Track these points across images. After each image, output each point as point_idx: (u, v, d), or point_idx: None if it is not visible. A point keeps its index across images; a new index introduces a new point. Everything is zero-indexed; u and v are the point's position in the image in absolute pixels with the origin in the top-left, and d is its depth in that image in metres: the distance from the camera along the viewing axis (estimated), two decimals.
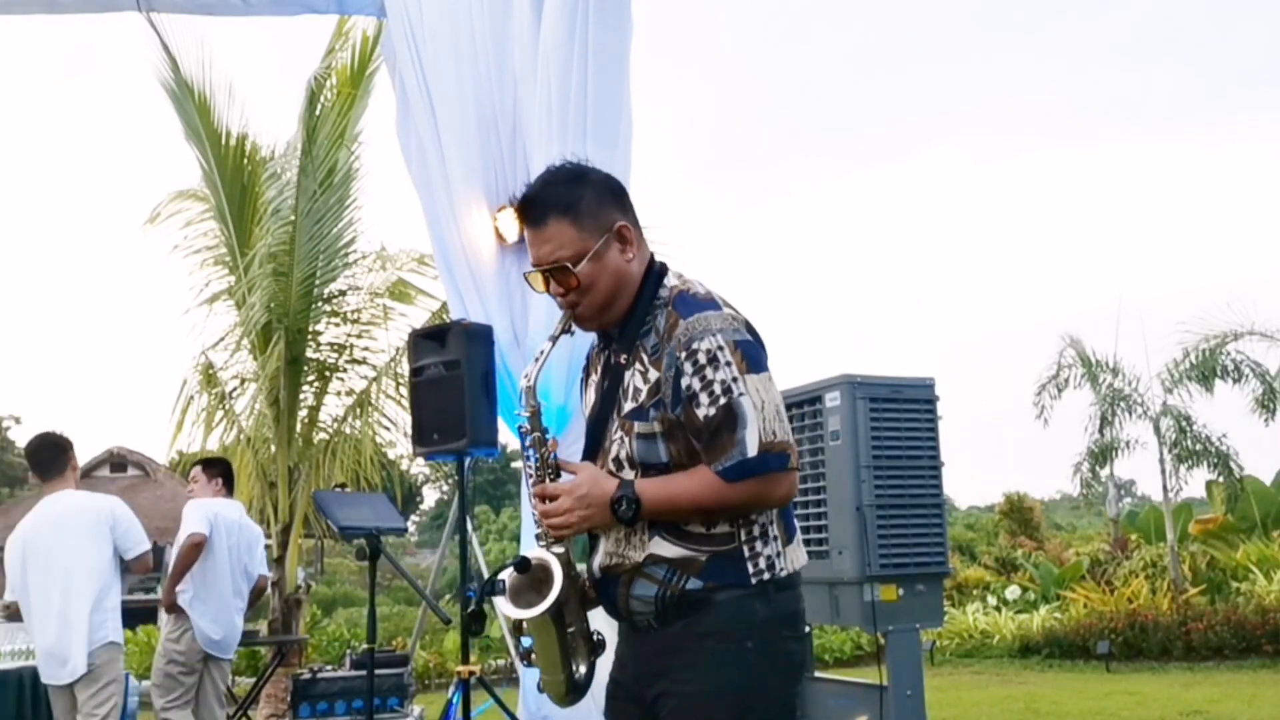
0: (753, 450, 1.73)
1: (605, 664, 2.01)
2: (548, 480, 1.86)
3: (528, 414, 1.90)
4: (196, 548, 4.98)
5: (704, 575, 1.78)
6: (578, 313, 1.90)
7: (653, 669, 1.84)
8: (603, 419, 1.93)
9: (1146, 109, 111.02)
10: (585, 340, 2.10)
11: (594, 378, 2.02)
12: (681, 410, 1.78)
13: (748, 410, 1.74)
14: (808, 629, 1.93)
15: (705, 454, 1.78)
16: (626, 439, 1.84)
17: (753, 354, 1.79)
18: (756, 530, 1.81)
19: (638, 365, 1.86)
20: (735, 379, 1.75)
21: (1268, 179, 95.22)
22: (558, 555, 1.84)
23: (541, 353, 1.93)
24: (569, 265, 1.85)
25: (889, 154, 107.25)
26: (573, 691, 1.94)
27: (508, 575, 1.87)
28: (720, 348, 1.76)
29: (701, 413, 1.76)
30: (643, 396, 1.83)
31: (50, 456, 4.51)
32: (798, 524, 1.98)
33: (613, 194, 1.92)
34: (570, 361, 3.93)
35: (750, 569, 1.79)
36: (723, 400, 1.75)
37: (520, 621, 1.86)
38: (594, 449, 1.93)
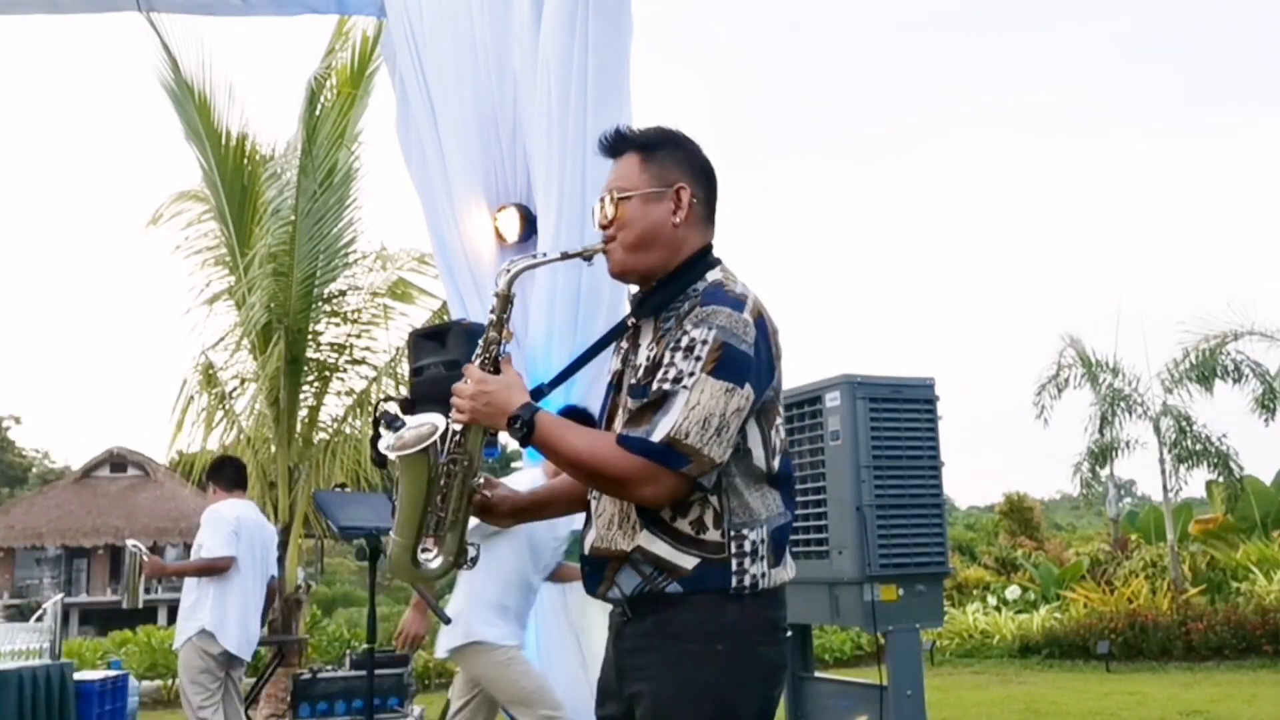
0: (658, 436, 1.69)
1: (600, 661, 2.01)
2: (481, 366, 1.83)
3: (498, 302, 1.86)
4: (222, 570, 5.01)
5: (687, 582, 1.76)
6: (608, 248, 1.89)
7: (627, 666, 1.83)
8: (614, 386, 1.95)
9: (1148, 108, 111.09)
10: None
11: (623, 346, 2.01)
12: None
13: (678, 403, 1.70)
14: (789, 634, 1.89)
15: (625, 421, 1.78)
16: (624, 414, 1.84)
17: (731, 361, 1.72)
18: (748, 546, 1.77)
19: (651, 343, 1.85)
20: (692, 374, 1.71)
21: (1269, 179, 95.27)
22: (453, 427, 1.83)
23: (544, 254, 1.93)
24: (616, 193, 1.87)
25: (889, 153, 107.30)
26: (414, 566, 1.89)
27: (409, 418, 1.88)
28: (704, 342, 1.73)
29: (654, 382, 1.75)
30: (640, 374, 1.82)
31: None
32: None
33: (692, 164, 1.92)
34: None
35: (734, 582, 1.76)
36: (665, 386, 1.72)
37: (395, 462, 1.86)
38: (606, 415, 1.94)
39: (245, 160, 8.01)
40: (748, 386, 1.74)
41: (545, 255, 1.94)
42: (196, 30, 8.15)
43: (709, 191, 1.93)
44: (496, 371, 1.83)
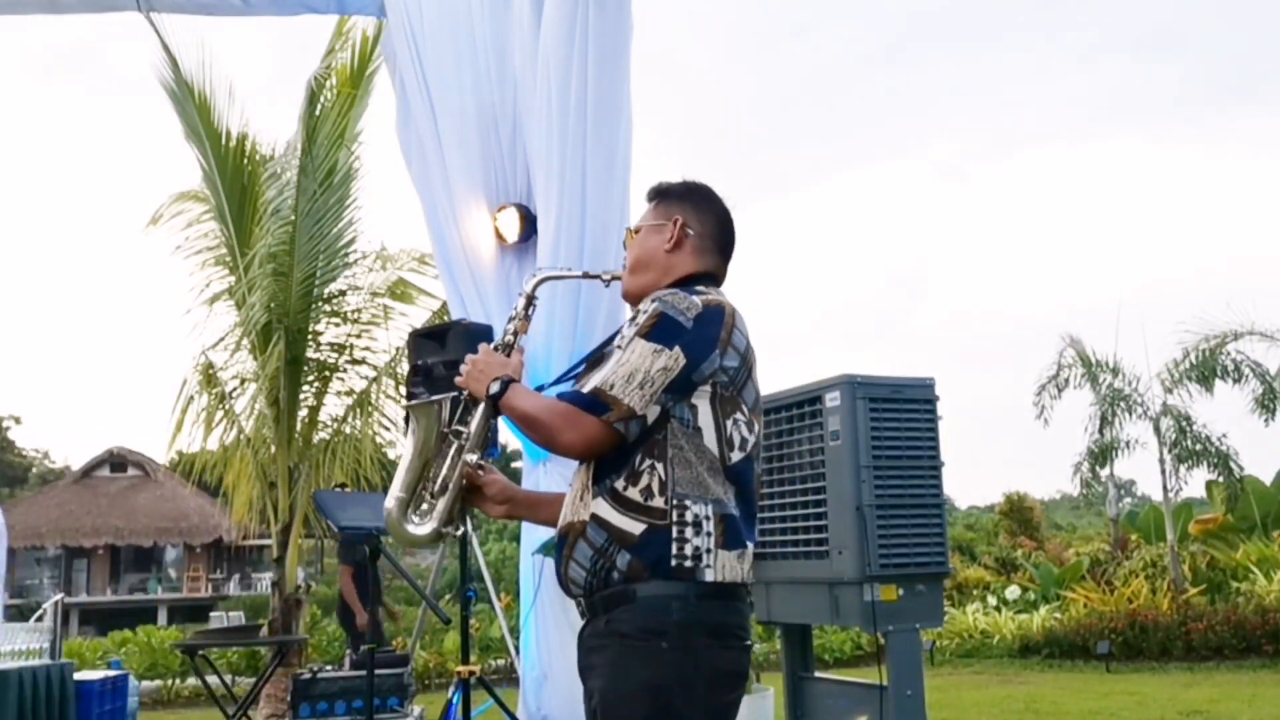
0: (588, 388, 1.89)
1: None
2: (494, 348, 2.10)
3: (522, 300, 2.15)
4: None
5: (634, 549, 1.83)
6: (622, 275, 2.16)
7: (583, 666, 1.91)
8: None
9: (1149, 109, 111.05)
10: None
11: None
12: None
13: (611, 361, 1.92)
14: (748, 643, 1.90)
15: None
16: None
17: (666, 326, 1.87)
18: (689, 516, 1.83)
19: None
20: (629, 338, 1.91)
21: (1270, 179, 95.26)
22: (451, 394, 2.08)
23: (569, 269, 2.30)
24: (629, 229, 2.15)
25: (889, 152, 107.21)
26: (404, 520, 2.08)
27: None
28: (645, 312, 1.93)
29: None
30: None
31: None
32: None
33: (700, 205, 2.13)
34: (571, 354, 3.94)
35: (674, 551, 1.81)
36: (609, 349, 2.00)
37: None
38: None
39: (245, 160, 8.00)
40: (677, 349, 1.85)
41: (571, 270, 2.28)
42: (196, 30, 8.17)
43: (711, 228, 2.12)
44: (510, 353, 2.09)
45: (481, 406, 2.02)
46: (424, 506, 2.07)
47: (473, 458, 2.05)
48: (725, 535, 1.85)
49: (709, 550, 1.82)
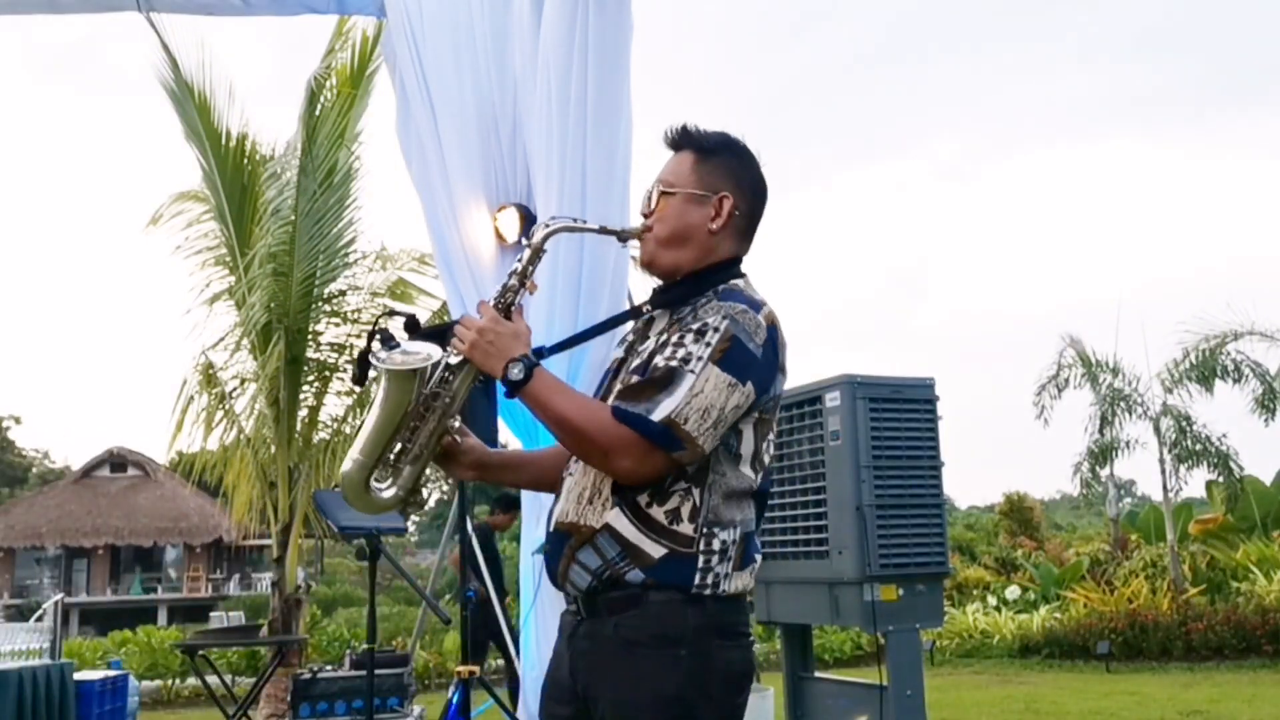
0: (659, 416, 1.67)
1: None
2: (495, 306, 1.82)
3: (529, 253, 1.85)
4: None
5: (651, 570, 1.72)
6: (644, 236, 1.90)
7: (581, 668, 1.80)
8: (612, 373, 1.94)
9: (1150, 109, 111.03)
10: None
11: (629, 337, 2.01)
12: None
13: (684, 386, 1.68)
14: (752, 639, 1.87)
15: (621, 393, 1.75)
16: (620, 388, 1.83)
17: (740, 357, 1.72)
18: (717, 545, 1.75)
19: (662, 333, 1.85)
20: (701, 359, 1.70)
21: (1270, 179, 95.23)
22: (449, 361, 1.81)
23: (584, 221, 1.94)
24: (663, 187, 1.89)
25: (889, 152, 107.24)
26: (365, 489, 1.84)
27: (407, 343, 1.85)
28: (717, 329, 1.73)
29: (655, 361, 1.74)
30: (645, 357, 1.81)
31: None
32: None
33: (743, 177, 1.92)
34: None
35: (696, 580, 1.73)
36: (673, 364, 1.71)
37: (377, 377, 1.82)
38: (601, 398, 1.91)
39: (245, 160, 7.99)
40: (749, 385, 1.72)
41: (585, 222, 1.95)
42: (196, 30, 8.16)
43: (753, 207, 1.93)
44: (508, 318, 1.81)
45: (467, 367, 1.80)
46: (388, 471, 1.84)
47: (455, 423, 1.87)
48: (743, 556, 1.80)
49: (727, 575, 1.76)
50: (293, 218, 7.48)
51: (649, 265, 1.91)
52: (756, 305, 1.79)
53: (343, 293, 8.29)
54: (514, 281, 1.84)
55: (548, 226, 1.87)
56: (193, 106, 7.68)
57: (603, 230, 1.93)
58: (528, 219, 4.71)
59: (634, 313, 1.96)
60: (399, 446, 1.84)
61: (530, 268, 1.85)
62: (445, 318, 6.34)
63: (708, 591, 1.74)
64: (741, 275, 1.91)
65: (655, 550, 1.73)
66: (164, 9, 5.58)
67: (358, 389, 8.35)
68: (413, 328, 1.85)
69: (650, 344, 1.84)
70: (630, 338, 1.98)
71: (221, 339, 8.09)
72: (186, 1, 5.41)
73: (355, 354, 2.00)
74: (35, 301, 65.34)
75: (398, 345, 1.82)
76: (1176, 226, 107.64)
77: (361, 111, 7.88)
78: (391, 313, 1.85)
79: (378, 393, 1.82)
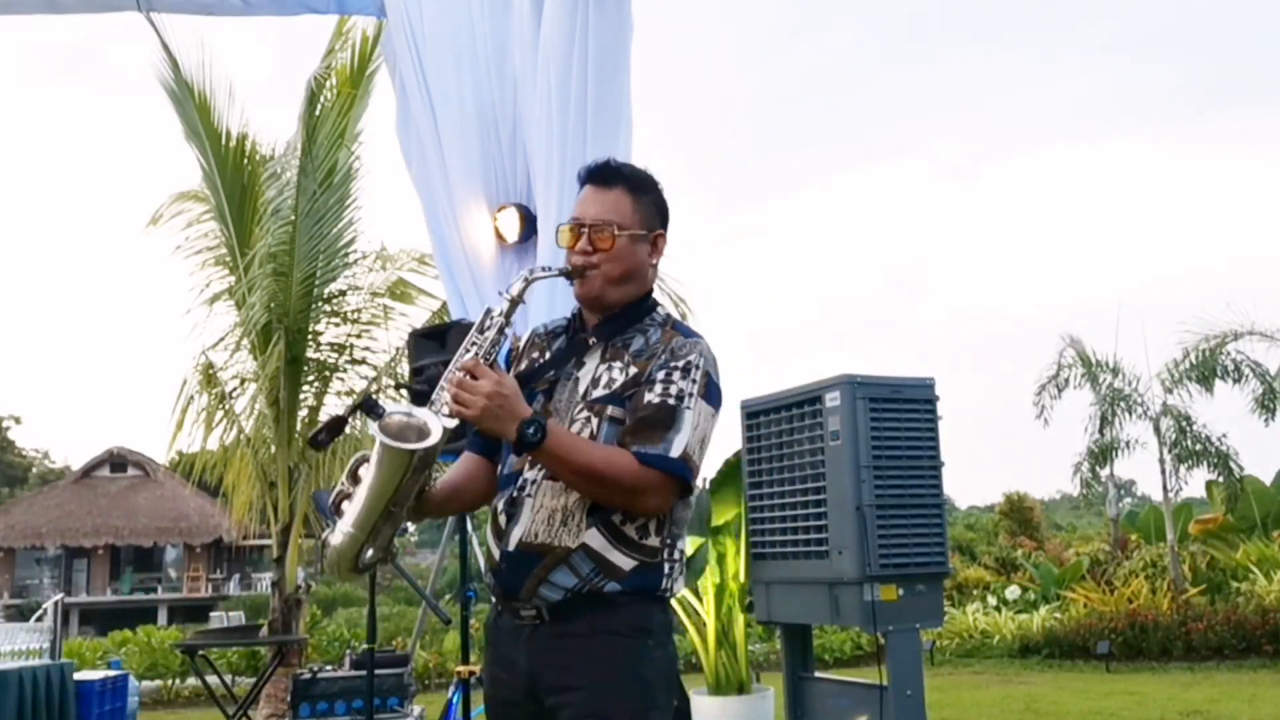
0: (676, 453, 1.83)
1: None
2: (482, 362, 1.82)
3: (508, 302, 1.92)
4: None
5: (623, 580, 1.86)
6: (588, 275, 1.96)
7: (551, 664, 1.84)
8: (551, 389, 1.96)
9: (1150, 109, 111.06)
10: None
11: (535, 353, 2.07)
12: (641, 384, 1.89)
13: (686, 422, 1.86)
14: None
15: (630, 434, 1.85)
16: (594, 420, 1.89)
17: (714, 390, 1.93)
18: (676, 554, 1.93)
19: (617, 363, 1.94)
20: (691, 395, 1.88)
21: (1270, 180, 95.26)
22: (445, 427, 1.78)
23: (547, 269, 1.98)
24: (614, 227, 1.96)
25: (890, 152, 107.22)
26: (354, 568, 1.84)
27: (391, 406, 1.80)
28: (696, 367, 1.90)
29: (648, 398, 1.86)
30: (616, 386, 1.91)
31: None
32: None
33: (665, 212, 2.08)
34: None
35: (663, 584, 1.91)
36: (671, 401, 1.86)
37: (366, 458, 1.81)
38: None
39: (245, 160, 8.00)
40: (719, 411, 1.95)
41: (548, 269, 1.99)
42: (196, 30, 8.16)
43: (666, 240, 2.08)
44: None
45: (452, 425, 1.79)
46: (371, 538, 1.83)
47: (435, 478, 1.92)
48: (684, 562, 2.00)
49: (678, 577, 1.96)
50: (293, 218, 7.48)
51: (595, 299, 1.98)
52: (702, 338, 1.98)
53: (343, 293, 8.30)
54: (496, 335, 1.88)
55: (523, 279, 1.95)
56: (193, 106, 7.68)
57: (562, 273, 1.98)
58: (528, 219, 4.71)
59: (581, 345, 2.00)
60: (390, 514, 1.83)
61: (510, 319, 1.92)
62: (445, 318, 6.34)
63: (669, 595, 1.94)
64: (657, 304, 2.06)
65: (626, 563, 1.87)
66: (164, 9, 5.59)
67: (356, 391, 8.37)
68: (370, 408, 1.78)
69: (597, 372, 1.93)
70: (546, 354, 2.05)
71: (221, 339, 8.11)
72: (186, 1, 5.41)
73: (328, 421, 1.94)
74: (35, 301, 65.39)
75: (382, 411, 1.77)
76: (1176, 226, 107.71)
77: (361, 111, 7.89)
78: (398, 385, 1.88)
79: (372, 465, 1.79)
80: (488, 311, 1.92)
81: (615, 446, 1.86)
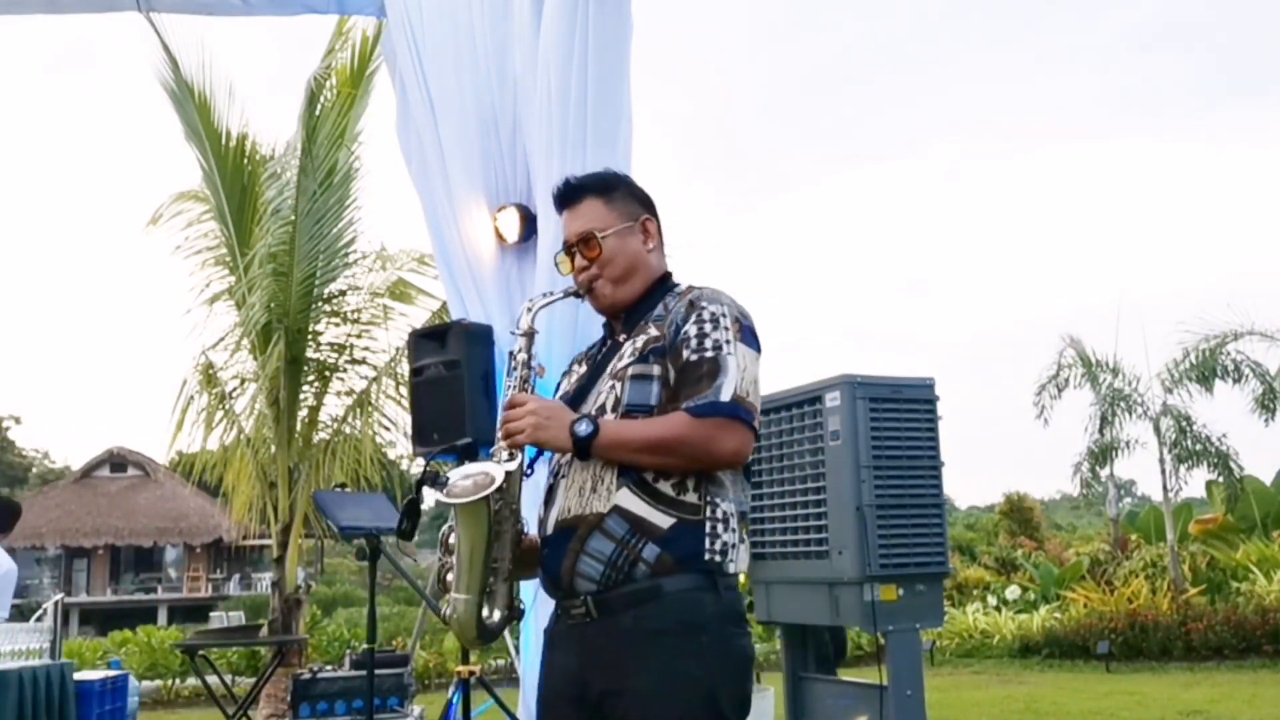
0: (726, 396, 1.81)
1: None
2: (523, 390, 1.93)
3: (523, 338, 1.97)
4: None
5: (663, 542, 1.78)
6: (595, 286, 2.00)
7: (600, 664, 1.80)
8: (585, 387, 1.99)
9: (1150, 108, 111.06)
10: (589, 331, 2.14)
11: (578, 371, 2.09)
12: (672, 349, 1.88)
13: (731, 366, 1.83)
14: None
15: (680, 391, 1.84)
16: (618, 385, 1.89)
17: (749, 334, 1.90)
18: (720, 514, 1.84)
19: (640, 336, 1.94)
20: (728, 341, 1.86)
21: (1270, 179, 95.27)
22: (507, 470, 1.82)
23: (551, 293, 2.03)
24: (595, 234, 1.98)
25: (890, 153, 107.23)
26: (481, 631, 1.86)
27: (453, 473, 1.84)
28: (724, 314, 1.88)
29: (688, 355, 1.85)
30: (639, 345, 1.91)
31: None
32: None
33: (641, 198, 2.08)
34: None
35: (707, 545, 1.81)
36: (710, 353, 1.84)
37: (449, 531, 1.85)
38: (570, 403, 1.99)
39: (245, 160, 8.00)
40: (760, 353, 1.91)
41: (551, 294, 2.05)
42: (196, 30, 8.14)
43: (657, 216, 2.09)
44: None
45: (513, 467, 1.83)
46: (489, 599, 1.87)
47: (528, 528, 1.92)
48: (740, 531, 1.88)
49: (734, 545, 1.84)
50: (293, 218, 7.48)
51: (610, 305, 2.02)
52: (724, 292, 1.96)
53: (343, 293, 8.30)
54: (520, 371, 1.94)
55: (529, 309, 2.00)
56: (193, 106, 7.68)
57: (568, 294, 2.03)
58: (528, 219, 4.71)
59: (614, 347, 2.02)
60: (493, 569, 1.86)
61: (532, 352, 1.97)
62: (445, 318, 6.33)
63: (718, 559, 1.81)
64: (676, 284, 2.04)
65: (664, 520, 1.80)
66: (164, 9, 5.58)
67: (356, 391, 8.36)
68: (433, 480, 1.83)
69: (637, 340, 1.93)
70: (585, 365, 2.07)
71: (221, 339, 8.10)
72: (186, 1, 5.41)
73: (403, 506, 1.96)
74: (35, 301, 65.39)
75: (445, 482, 1.81)
76: (1177, 226, 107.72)
77: (361, 111, 7.89)
78: (425, 478, 1.87)
79: (457, 530, 1.83)
80: (510, 355, 1.98)
81: (670, 414, 1.83)
